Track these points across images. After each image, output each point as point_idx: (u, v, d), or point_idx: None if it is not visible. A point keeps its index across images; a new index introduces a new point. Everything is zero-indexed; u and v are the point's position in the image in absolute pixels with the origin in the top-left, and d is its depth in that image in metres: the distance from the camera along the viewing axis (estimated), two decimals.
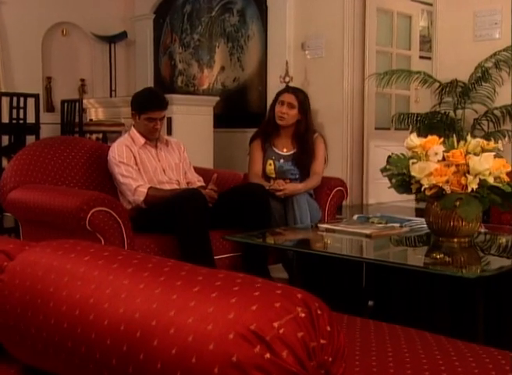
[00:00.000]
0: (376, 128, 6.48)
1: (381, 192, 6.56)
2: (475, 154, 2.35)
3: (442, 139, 2.39)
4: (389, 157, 2.52)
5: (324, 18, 6.27)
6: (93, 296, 0.95)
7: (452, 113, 5.25)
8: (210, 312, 0.81)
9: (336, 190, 3.78)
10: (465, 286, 2.23)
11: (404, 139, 6.41)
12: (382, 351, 1.49)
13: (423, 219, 2.90)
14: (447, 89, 5.29)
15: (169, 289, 0.89)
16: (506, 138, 4.95)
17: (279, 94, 3.81)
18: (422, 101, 6.94)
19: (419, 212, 6.12)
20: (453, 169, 2.30)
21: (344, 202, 4.40)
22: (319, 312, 0.81)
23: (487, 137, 4.72)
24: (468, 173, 2.25)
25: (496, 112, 5.06)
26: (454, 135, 2.65)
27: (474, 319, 2.19)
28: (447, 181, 2.29)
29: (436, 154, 2.32)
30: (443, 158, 2.35)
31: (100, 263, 1.01)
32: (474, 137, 2.48)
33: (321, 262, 2.64)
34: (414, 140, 2.41)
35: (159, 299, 0.88)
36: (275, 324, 0.77)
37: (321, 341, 0.80)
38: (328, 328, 0.82)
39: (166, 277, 0.92)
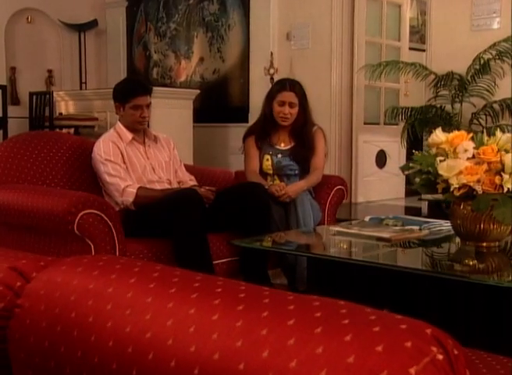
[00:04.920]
0: (365, 123, 6.37)
1: (370, 190, 6.47)
2: (506, 150, 2.24)
3: (471, 134, 2.27)
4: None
5: (310, 6, 6.13)
6: (150, 329, 0.80)
7: (448, 107, 5.16)
8: (319, 354, 0.66)
9: (336, 189, 3.67)
10: (495, 294, 2.12)
11: (394, 134, 6.33)
12: None
13: (441, 221, 2.80)
14: (442, 82, 5.20)
15: (255, 322, 0.74)
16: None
17: (276, 91, 3.59)
18: (412, 95, 6.86)
19: (408, 211, 6.05)
20: (484, 167, 2.18)
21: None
22: (456, 352, 0.67)
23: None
24: (503, 171, 2.14)
25: (494, 105, 4.98)
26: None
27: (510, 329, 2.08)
28: (478, 180, 2.17)
29: (466, 151, 2.20)
30: (472, 156, 2.23)
31: (152, 287, 0.86)
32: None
33: (333, 267, 2.51)
34: (439, 135, 2.29)
35: (243, 335, 0.72)
36: (412, 371, 0.63)
37: None
38: (468, 373, 0.68)
39: (246, 306, 0.77)
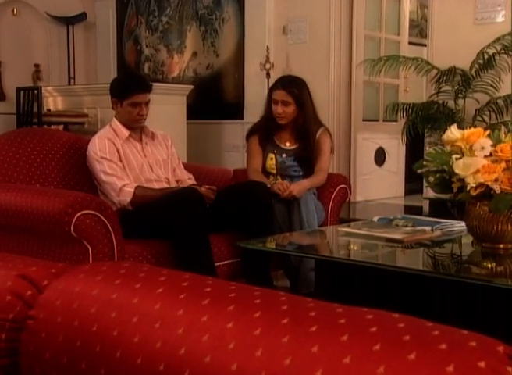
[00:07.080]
0: (364, 119, 6.33)
1: (368, 189, 6.43)
2: None
3: (488, 131, 2.23)
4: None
5: None
6: (183, 345, 0.74)
7: (451, 103, 5.12)
8: (381, 374, 0.61)
9: (339, 188, 3.62)
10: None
11: (393, 131, 6.29)
12: None
13: (452, 222, 2.75)
14: (445, 77, 5.16)
15: (303, 337, 0.68)
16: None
17: (270, 90, 3.65)
18: (411, 91, 6.83)
19: (409, 210, 6.01)
20: (502, 165, 2.14)
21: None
22: None
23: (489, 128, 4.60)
24: None
25: (499, 101, 4.94)
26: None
27: None
28: (496, 179, 2.13)
29: (483, 148, 2.16)
30: (489, 154, 2.19)
31: (182, 298, 0.80)
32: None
33: (343, 269, 2.47)
34: (454, 132, 2.25)
35: (291, 352, 0.67)
36: None
37: None
38: None
39: (291, 319, 0.72)
